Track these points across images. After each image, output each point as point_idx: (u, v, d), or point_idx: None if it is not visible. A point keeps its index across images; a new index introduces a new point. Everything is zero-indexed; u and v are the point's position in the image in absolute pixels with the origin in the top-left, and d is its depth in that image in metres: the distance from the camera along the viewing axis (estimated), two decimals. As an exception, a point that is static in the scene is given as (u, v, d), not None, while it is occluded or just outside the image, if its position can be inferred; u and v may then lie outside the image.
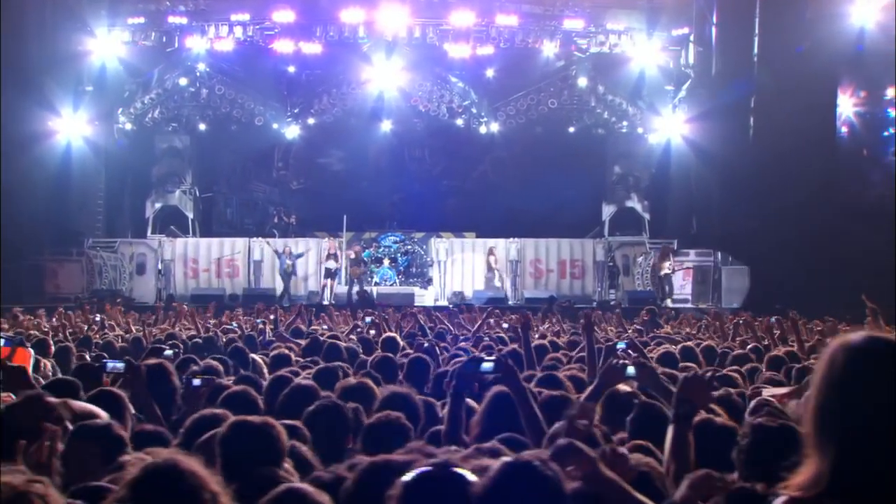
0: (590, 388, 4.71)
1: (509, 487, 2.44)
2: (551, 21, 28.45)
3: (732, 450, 3.60)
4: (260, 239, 29.66)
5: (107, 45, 28.84)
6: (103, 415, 4.31)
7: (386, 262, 30.75)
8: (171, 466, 2.67)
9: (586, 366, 6.70)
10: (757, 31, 25.26)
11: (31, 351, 9.00)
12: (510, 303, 27.11)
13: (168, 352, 6.44)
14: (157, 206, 31.31)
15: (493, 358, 4.46)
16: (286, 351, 7.76)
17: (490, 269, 28.73)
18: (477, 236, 30.61)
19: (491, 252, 28.90)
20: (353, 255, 28.35)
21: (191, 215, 31.44)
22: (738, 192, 25.67)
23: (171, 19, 28.68)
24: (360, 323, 11.46)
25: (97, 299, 24.76)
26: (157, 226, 31.07)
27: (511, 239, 29.23)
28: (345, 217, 29.36)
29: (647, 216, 31.01)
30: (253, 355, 7.70)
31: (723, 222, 26.66)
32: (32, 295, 24.29)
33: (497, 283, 28.71)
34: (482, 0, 28.17)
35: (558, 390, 5.20)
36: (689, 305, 26.09)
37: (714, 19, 26.85)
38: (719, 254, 27.36)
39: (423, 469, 2.52)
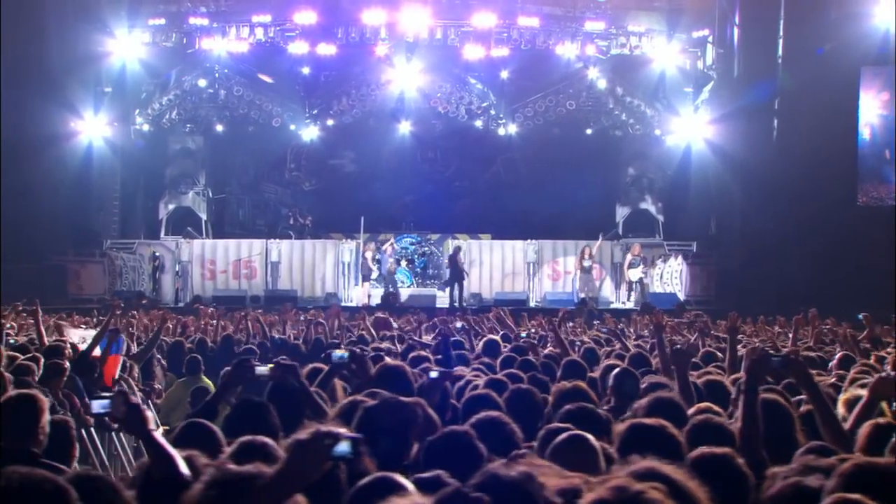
0: (864, 400, 4.56)
1: None
2: (572, 23, 28.46)
3: None
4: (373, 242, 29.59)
5: (127, 47, 28.77)
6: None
7: (403, 263, 30.71)
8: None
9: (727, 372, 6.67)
10: (781, 33, 25.31)
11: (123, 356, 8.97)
12: (531, 304, 27.12)
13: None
14: (171, 207, 31.20)
15: (782, 354, 4.43)
16: (423, 352, 7.73)
17: (584, 269, 28.04)
18: (493, 237, 30.60)
19: (587, 252, 28.12)
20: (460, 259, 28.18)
21: (204, 216, 31.36)
22: (761, 194, 25.74)
23: (192, 20, 28.59)
24: (449, 326, 11.42)
25: (121, 300, 24.69)
26: (170, 227, 30.98)
27: (528, 241, 29.15)
28: (362, 219, 29.35)
29: (661, 218, 31.06)
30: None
31: (744, 224, 26.73)
32: (55, 296, 24.14)
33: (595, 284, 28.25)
34: (504, 1, 28.16)
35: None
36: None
37: (736, 20, 26.93)
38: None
39: None
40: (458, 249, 28.05)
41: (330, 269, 28.90)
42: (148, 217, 31.50)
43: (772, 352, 4.53)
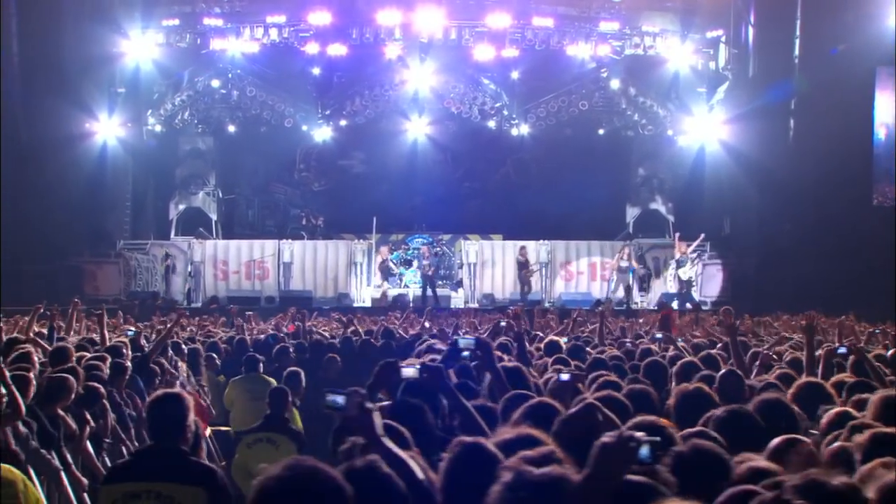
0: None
1: None
2: (586, 23, 28.46)
3: None
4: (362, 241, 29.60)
5: (141, 47, 28.74)
6: None
7: (415, 264, 30.67)
8: None
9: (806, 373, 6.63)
10: (798, 33, 25.34)
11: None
12: (546, 305, 27.06)
13: (466, 353, 6.23)
14: (181, 207, 31.16)
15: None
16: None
17: (621, 270, 27.88)
18: (504, 238, 30.55)
19: (625, 252, 28.03)
20: (522, 259, 28.03)
21: (214, 217, 31.33)
22: (777, 195, 25.77)
23: (206, 21, 28.51)
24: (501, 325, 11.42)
25: (138, 301, 24.69)
26: (180, 227, 30.94)
27: (541, 241, 29.06)
28: (374, 219, 29.38)
29: (671, 218, 31.03)
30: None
31: (760, 224, 26.74)
32: (72, 296, 23.99)
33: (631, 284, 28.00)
34: (518, 2, 28.13)
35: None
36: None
37: (751, 20, 26.96)
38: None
39: None
40: (522, 249, 28.00)
41: (342, 270, 28.83)
42: (158, 217, 31.42)
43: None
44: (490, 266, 28.96)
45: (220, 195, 31.77)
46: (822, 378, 6.40)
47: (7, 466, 5.21)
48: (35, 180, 24.76)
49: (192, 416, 4.69)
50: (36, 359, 7.46)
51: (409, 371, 4.58)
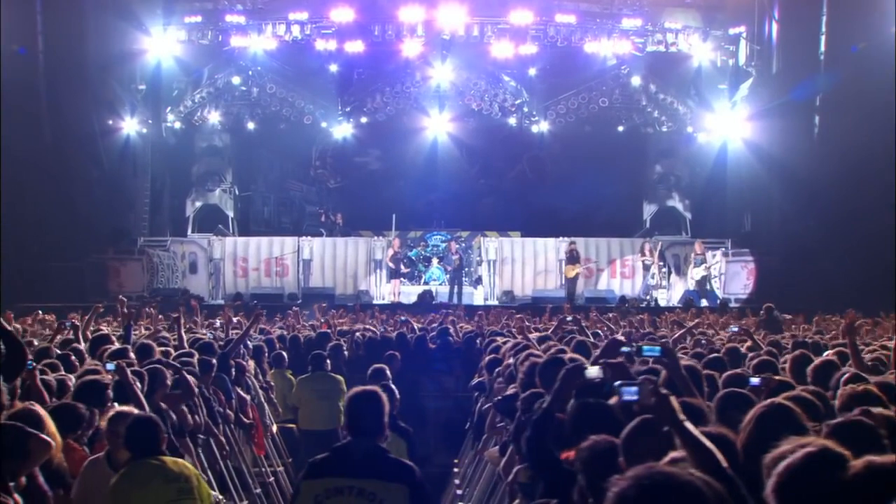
0: None
1: None
2: (609, 20, 28.43)
3: None
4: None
5: (162, 44, 28.71)
6: None
7: (435, 261, 30.58)
8: None
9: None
10: (824, 30, 25.29)
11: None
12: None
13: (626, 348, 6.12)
14: (198, 204, 31.15)
15: None
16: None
17: (646, 267, 27.75)
18: (522, 235, 30.51)
19: (645, 249, 27.82)
20: (570, 255, 27.83)
21: (231, 214, 31.32)
22: (801, 192, 25.71)
23: (228, 18, 28.47)
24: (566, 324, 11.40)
25: (161, 298, 24.64)
26: (197, 224, 30.90)
27: (560, 238, 28.96)
28: (394, 216, 29.34)
29: (688, 215, 31.01)
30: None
31: (784, 222, 26.70)
32: (96, 294, 24.05)
33: (652, 281, 27.75)
34: (541, -1, 28.17)
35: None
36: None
37: (776, 16, 26.91)
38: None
39: None
40: (571, 244, 27.83)
41: (362, 267, 28.78)
42: (174, 214, 31.39)
43: None
44: (510, 263, 28.87)
45: (237, 192, 31.75)
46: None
47: (183, 461, 5.23)
48: (59, 177, 24.77)
49: (387, 414, 4.70)
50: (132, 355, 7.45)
51: (594, 371, 4.52)
